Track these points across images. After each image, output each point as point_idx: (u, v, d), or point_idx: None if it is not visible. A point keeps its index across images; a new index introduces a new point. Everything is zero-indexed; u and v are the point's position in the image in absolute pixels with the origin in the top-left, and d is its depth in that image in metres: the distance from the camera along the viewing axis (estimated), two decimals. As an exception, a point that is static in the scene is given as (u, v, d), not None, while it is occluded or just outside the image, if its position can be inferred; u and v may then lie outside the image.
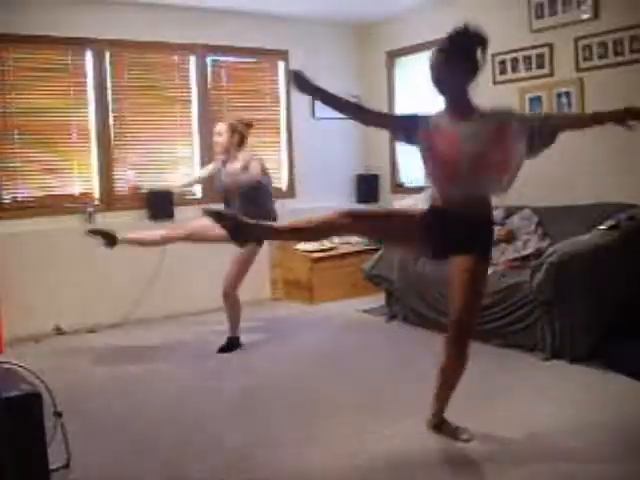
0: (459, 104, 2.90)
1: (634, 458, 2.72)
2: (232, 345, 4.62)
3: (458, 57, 2.87)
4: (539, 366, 3.95)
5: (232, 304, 4.64)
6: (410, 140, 2.96)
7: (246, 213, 3.97)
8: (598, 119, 2.88)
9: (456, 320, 2.89)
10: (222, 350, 4.56)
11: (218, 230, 3.16)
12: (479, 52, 2.90)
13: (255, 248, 4.59)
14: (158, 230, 4.80)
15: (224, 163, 4.72)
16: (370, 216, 3.15)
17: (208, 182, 5.29)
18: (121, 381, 4.01)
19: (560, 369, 3.87)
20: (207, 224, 3.99)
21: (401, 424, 3.16)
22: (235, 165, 4.61)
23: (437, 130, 2.87)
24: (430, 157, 2.89)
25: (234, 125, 4.65)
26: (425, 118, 2.95)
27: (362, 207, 3.09)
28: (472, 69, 2.90)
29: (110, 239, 4.54)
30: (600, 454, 2.75)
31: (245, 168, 4.53)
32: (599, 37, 4.80)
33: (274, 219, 4.51)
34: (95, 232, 4.57)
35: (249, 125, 4.77)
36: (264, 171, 4.60)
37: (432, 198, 2.99)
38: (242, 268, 4.60)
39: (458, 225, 2.86)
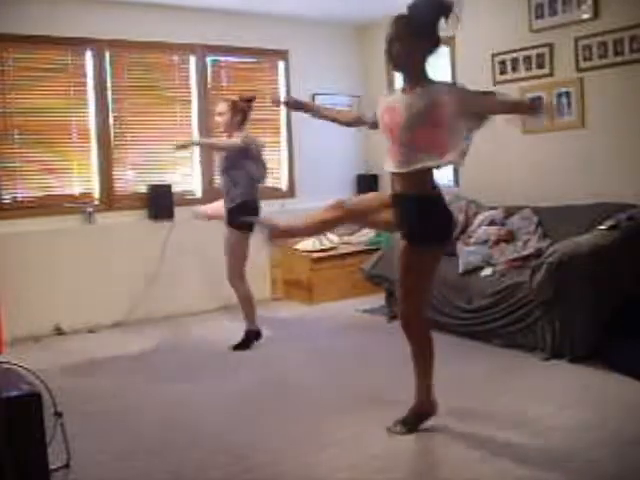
0: (413, 78, 2.84)
1: (634, 458, 2.72)
2: (247, 339, 4.53)
3: (412, 29, 2.76)
4: (539, 366, 3.95)
5: (242, 295, 4.54)
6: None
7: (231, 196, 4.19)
8: (507, 108, 2.94)
9: (401, 308, 2.97)
10: (237, 347, 4.49)
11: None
12: (442, 22, 2.78)
13: (243, 234, 4.39)
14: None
15: None
16: (359, 205, 3.09)
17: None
18: (121, 381, 4.01)
19: (560, 369, 3.87)
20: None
21: (401, 424, 3.16)
22: None
23: (389, 105, 2.87)
24: (384, 134, 2.90)
25: (236, 103, 4.54)
26: (384, 97, 2.97)
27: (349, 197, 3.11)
28: (429, 41, 2.81)
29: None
30: (600, 454, 2.75)
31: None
32: (599, 37, 4.80)
33: (253, 209, 4.38)
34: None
35: (250, 100, 4.63)
36: (252, 146, 4.44)
37: None
38: (236, 255, 4.45)
39: (398, 208, 2.86)
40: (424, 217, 2.86)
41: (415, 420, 3.03)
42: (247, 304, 4.57)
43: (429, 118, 2.75)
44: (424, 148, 2.78)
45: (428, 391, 3.05)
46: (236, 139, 4.42)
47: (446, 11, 2.76)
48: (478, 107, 2.82)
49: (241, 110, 4.53)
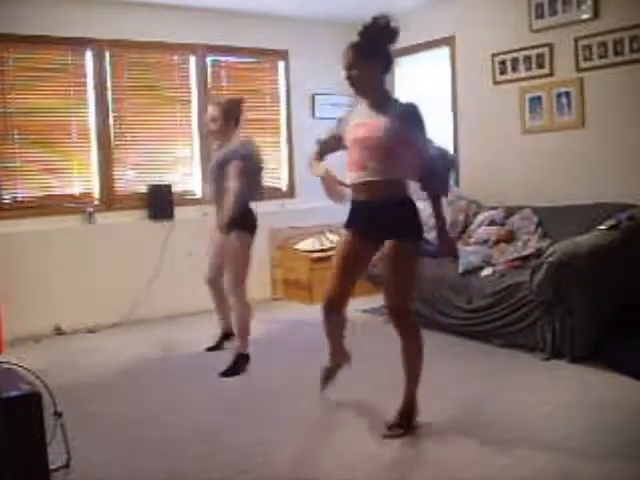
0: (377, 98, 3.05)
1: (634, 458, 2.72)
2: (237, 364, 4.04)
3: (367, 53, 3.01)
4: (539, 366, 3.95)
5: (240, 309, 4.07)
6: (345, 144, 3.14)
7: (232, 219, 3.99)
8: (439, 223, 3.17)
9: (389, 306, 3.04)
10: (227, 373, 3.98)
11: None
12: (390, 46, 3.08)
13: (248, 236, 4.08)
14: None
15: (220, 147, 4.22)
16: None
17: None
18: (121, 381, 4.01)
19: (560, 369, 3.87)
20: None
21: (401, 424, 3.16)
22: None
23: (362, 121, 3.03)
24: (348, 149, 3.07)
25: (228, 104, 4.19)
26: (344, 118, 3.15)
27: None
28: (382, 63, 3.06)
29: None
30: (600, 454, 2.75)
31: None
32: (599, 37, 4.80)
33: (250, 215, 4.11)
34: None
35: (241, 101, 4.31)
36: (249, 161, 4.03)
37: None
38: (240, 261, 4.06)
39: (379, 212, 2.99)
40: (411, 216, 3.05)
41: (406, 421, 3.06)
42: (244, 320, 4.10)
43: (402, 136, 2.95)
44: (400, 160, 2.97)
45: (413, 392, 3.13)
46: (235, 182, 3.95)
47: (393, 34, 3.09)
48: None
49: (234, 111, 4.19)
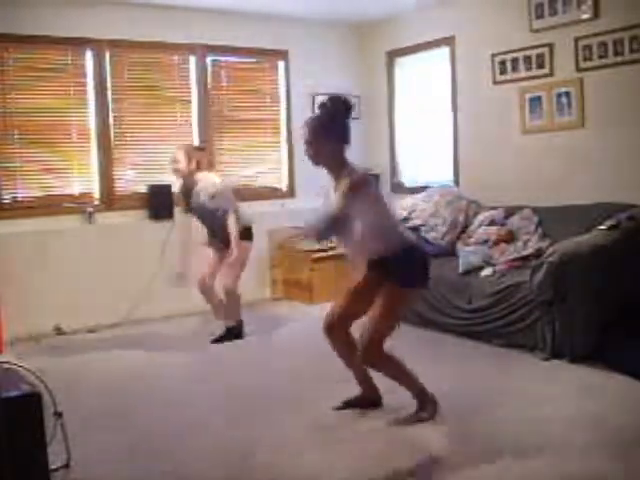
0: (334, 171, 3.13)
1: (634, 458, 2.72)
2: (229, 333, 4.83)
3: (321, 130, 3.08)
4: (539, 366, 3.95)
5: (233, 295, 4.82)
6: None
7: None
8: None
9: (368, 335, 3.08)
10: (217, 340, 4.80)
11: None
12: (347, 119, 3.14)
13: (248, 244, 4.84)
14: None
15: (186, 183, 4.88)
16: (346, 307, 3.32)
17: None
18: (121, 381, 4.01)
19: (560, 369, 3.87)
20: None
21: (401, 423, 3.15)
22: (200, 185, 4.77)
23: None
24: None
25: (190, 152, 4.85)
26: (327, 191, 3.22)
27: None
28: (338, 138, 3.11)
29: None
30: (600, 454, 2.75)
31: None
32: (599, 37, 4.80)
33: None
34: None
35: (202, 149, 5.19)
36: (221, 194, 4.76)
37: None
38: (241, 265, 4.80)
39: (380, 267, 3.13)
40: (407, 266, 3.12)
41: (425, 404, 3.20)
42: (235, 302, 4.85)
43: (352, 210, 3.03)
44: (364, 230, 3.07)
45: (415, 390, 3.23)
46: (231, 219, 4.68)
47: (348, 108, 3.13)
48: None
49: (195, 156, 4.83)
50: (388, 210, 3.20)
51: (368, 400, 3.38)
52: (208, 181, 4.77)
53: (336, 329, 3.30)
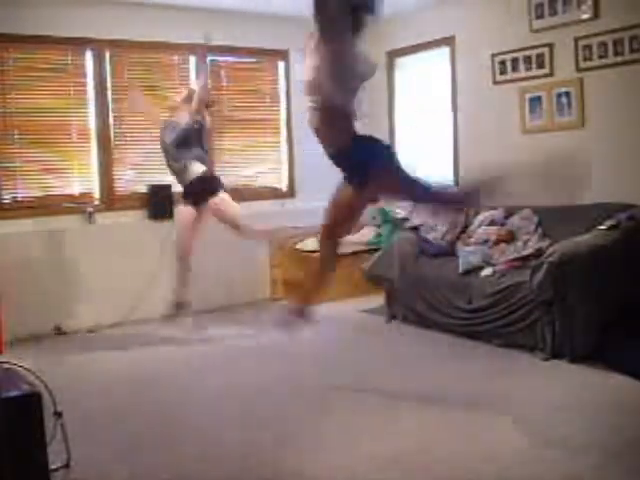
0: None
1: (634, 458, 2.72)
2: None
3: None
4: (539, 366, 3.95)
5: (246, 228, 5.02)
6: None
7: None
8: None
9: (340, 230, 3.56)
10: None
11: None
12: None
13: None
14: None
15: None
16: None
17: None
18: (121, 381, 4.01)
19: (560, 369, 3.87)
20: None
21: (401, 423, 3.16)
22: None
23: None
24: None
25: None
26: None
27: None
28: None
29: None
30: (600, 454, 2.75)
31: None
32: (599, 37, 4.80)
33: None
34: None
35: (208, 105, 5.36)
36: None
37: None
38: (234, 206, 5.06)
39: None
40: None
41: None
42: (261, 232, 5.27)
43: None
44: None
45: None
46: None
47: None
48: None
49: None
50: None
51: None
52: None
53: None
